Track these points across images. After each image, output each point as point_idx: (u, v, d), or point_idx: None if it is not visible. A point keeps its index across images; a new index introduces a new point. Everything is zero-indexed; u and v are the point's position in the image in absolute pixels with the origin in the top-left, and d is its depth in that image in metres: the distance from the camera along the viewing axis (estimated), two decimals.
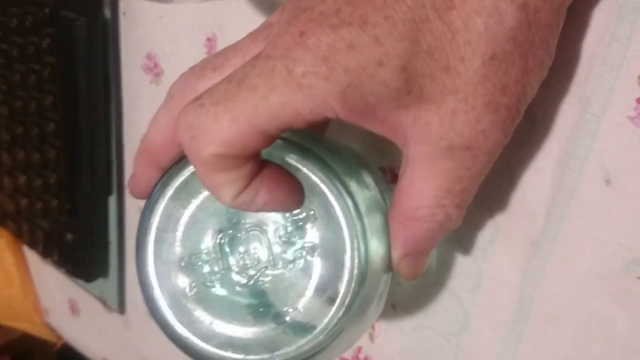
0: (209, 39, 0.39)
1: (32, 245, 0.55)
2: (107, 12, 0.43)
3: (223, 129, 0.21)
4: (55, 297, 0.62)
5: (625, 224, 0.26)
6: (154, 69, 0.43)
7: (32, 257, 0.62)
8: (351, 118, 0.22)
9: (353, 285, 0.24)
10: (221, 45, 0.38)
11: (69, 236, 0.50)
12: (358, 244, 0.24)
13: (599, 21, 0.25)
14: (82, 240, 0.50)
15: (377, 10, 0.20)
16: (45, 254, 0.53)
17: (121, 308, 0.54)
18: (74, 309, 0.60)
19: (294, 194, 0.24)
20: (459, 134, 0.22)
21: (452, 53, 0.21)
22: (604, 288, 0.28)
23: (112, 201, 0.49)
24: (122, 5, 0.43)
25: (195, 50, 0.39)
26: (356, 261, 0.24)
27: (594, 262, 0.27)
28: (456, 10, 0.21)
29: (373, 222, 0.25)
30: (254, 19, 0.36)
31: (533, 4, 0.21)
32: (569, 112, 0.26)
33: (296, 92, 0.20)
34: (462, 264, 0.32)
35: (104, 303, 0.54)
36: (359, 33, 0.20)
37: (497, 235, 0.30)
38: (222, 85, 0.21)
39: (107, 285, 0.53)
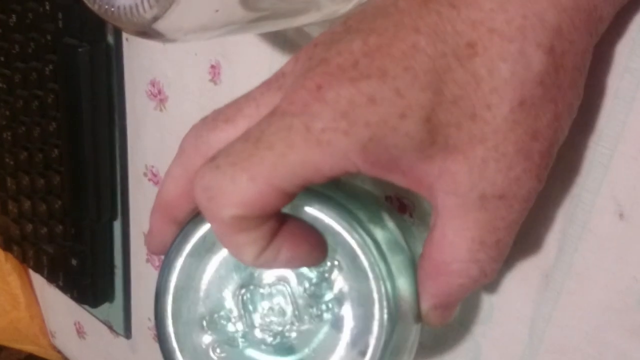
0: (212, 66, 0.38)
1: (37, 270, 0.54)
2: (111, 39, 0.43)
3: (241, 190, 0.20)
4: (61, 320, 0.62)
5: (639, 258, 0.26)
6: (157, 96, 0.42)
7: (38, 280, 0.62)
8: (374, 172, 0.21)
9: (384, 336, 0.23)
10: (225, 72, 0.38)
11: (74, 261, 0.50)
12: (386, 292, 0.23)
13: (612, 54, 0.24)
14: (87, 266, 0.49)
15: (395, 61, 0.20)
16: (50, 279, 0.53)
17: (127, 332, 0.53)
18: (80, 332, 0.60)
19: (317, 248, 0.23)
20: (491, 183, 0.21)
21: (478, 101, 0.20)
22: (617, 322, 0.27)
23: (117, 226, 0.49)
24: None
25: (199, 77, 0.39)
26: (385, 311, 0.23)
27: (607, 295, 0.27)
28: (479, 58, 0.20)
29: (399, 267, 0.24)
30: (257, 46, 0.36)
31: (560, 48, 0.20)
32: (581, 145, 0.26)
33: (315, 148, 0.20)
34: (474, 296, 0.31)
35: (110, 327, 0.54)
36: (379, 85, 0.20)
37: (508, 267, 0.30)
38: (239, 145, 0.21)
39: (112, 310, 0.52)
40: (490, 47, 0.20)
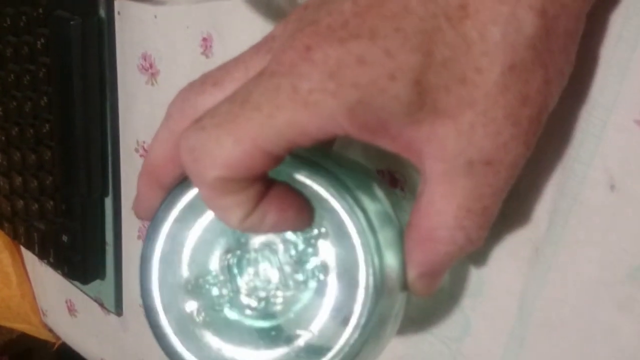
0: (204, 39, 0.38)
1: (28, 246, 0.54)
2: (102, 12, 0.43)
3: (227, 151, 0.20)
4: (52, 298, 0.62)
5: (631, 231, 0.26)
6: (149, 69, 0.42)
7: (30, 258, 0.62)
8: (362, 135, 0.21)
9: (368, 304, 0.23)
10: (217, 45, 0.37)
11: (65, 238, 0.49)
12: (372, 261, 0.23)
13: (605, 22, 0.24)
14: (78, 242, 0.49)
15: (386, 22, 0.19)
16: (41, 255, 0.53)
17: (118, 310, 0.53)
18: (72, 310, 0.60)
19: (303, 213, 0.23)
20: (478, 149, 0.21)
21: (468, 64, 0.20)
22: (608, 295, 0.27)
23: (108, 203, 0.48)
24: (117, 5, 0.42)
25: (190, 50, 0.39)
26: (371, 279, 0.23)
27: (598, 268, 0.27)
28: (470, 20, 0.20)
29: (386, 237, 0.24)
30: (250, 19, 0.35)
31: (552, 11, 0.20)
32: (573, 115, 0.26)
33: (303, 110, 0.19)
34: (463, 269, 0.31)
35: (101, 305, 0.54)
36: (369, 46, 0.19)
37: (498, 240, 0.30)
38: (225, 106, 0.20)
39: (104, 287, 0.52)
40: (482, 9, 0.20)
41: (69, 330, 0.62)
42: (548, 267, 0.28)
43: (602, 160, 0.25)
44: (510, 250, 0.29)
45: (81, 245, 0.49)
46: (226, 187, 0.20)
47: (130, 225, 0.49)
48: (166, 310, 0.25)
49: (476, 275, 0.31)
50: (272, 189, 0.22)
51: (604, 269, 0.27)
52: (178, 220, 0.25)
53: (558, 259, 0.28)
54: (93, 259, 0.50)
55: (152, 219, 0.25)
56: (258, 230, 0.22)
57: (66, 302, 0.60)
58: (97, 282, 0.52)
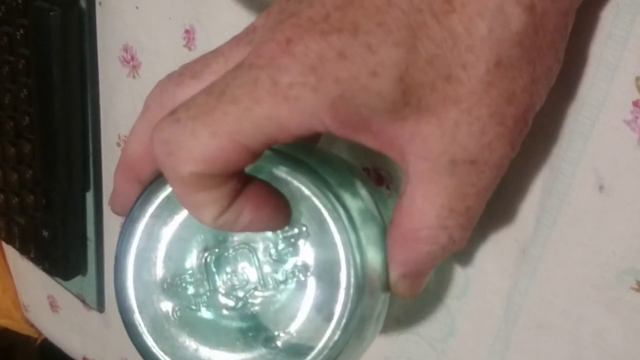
0: (187, 31, 0.37)
1: (9, 241, 0.53)
2: (83, 2, 0.42)
3: (202, 145, 0.19)
4: (34, 293, 0.61)
5: (619, 232, 0.25)
6: (130, 62, 0.41)
7: (11, 252, 0.61)
8: (343, 132, 0.20)
9: (349, 305, 0.23)
10: (199, 37, 0.37)
11: (45, 233, 0.48)
12: (354, 260, 0.23)
13: (595, 19, 0.23)
14: (59, 238, 0.48)
15: (369, 16, 0.19)
16: (22, 250, 0.52)
17: (100, 306, 0.52)
18: (54, 306, 0.59)
19: (280, 211, 0.22)
20: (462, 148, 0.20)
21: (454, 60, 0.19)
22: (595, 297, 0.26)
23: (90, 197, 0.47)
24: None
25: (172, 42, 0.38)
26: (352, 279, 0.22)
27: (586, 270, 0.26)
28: (456, 14, 0.19)
29: (369, 236, 0.23)
30: (233, 10, 0.35)
31: (540, 6, 0.19)
32: (561, 114, 0.25)
33: (282, 104, 0.19)
34: (449, 269, 0.31)
35: (83, 301, 0.53)
36: (350, 41, 0.19)
37: (485, 241, 0.29)
38: (201, 98, 0.20)
39: (85, 283, 0.51)
40: (469, 2, 0.19)
41: (51, 326, 0.61)
42: (535, 268, 0.28)
43: (591, 161, 0.25)
44: (497, 251, 0.29)
45: (62, 241, 0.48)
46: (200, 183, 0.20)
47: (112, 221, 0.48)
48: (141, 309, 0.25)
49: (462, 276, 0.30)
50: (249, 186, 0.21)
51: (591, 271, 0.26)
52: (155, 216, 0.24)
53: (545, 260, 0.27)
54: (74, 255, 0.49)
55: (128, 215, 0.24)
56: (232, 228, 0.21)
57: (48, 297, 0.59)
58: (79, 278, 0.51)
